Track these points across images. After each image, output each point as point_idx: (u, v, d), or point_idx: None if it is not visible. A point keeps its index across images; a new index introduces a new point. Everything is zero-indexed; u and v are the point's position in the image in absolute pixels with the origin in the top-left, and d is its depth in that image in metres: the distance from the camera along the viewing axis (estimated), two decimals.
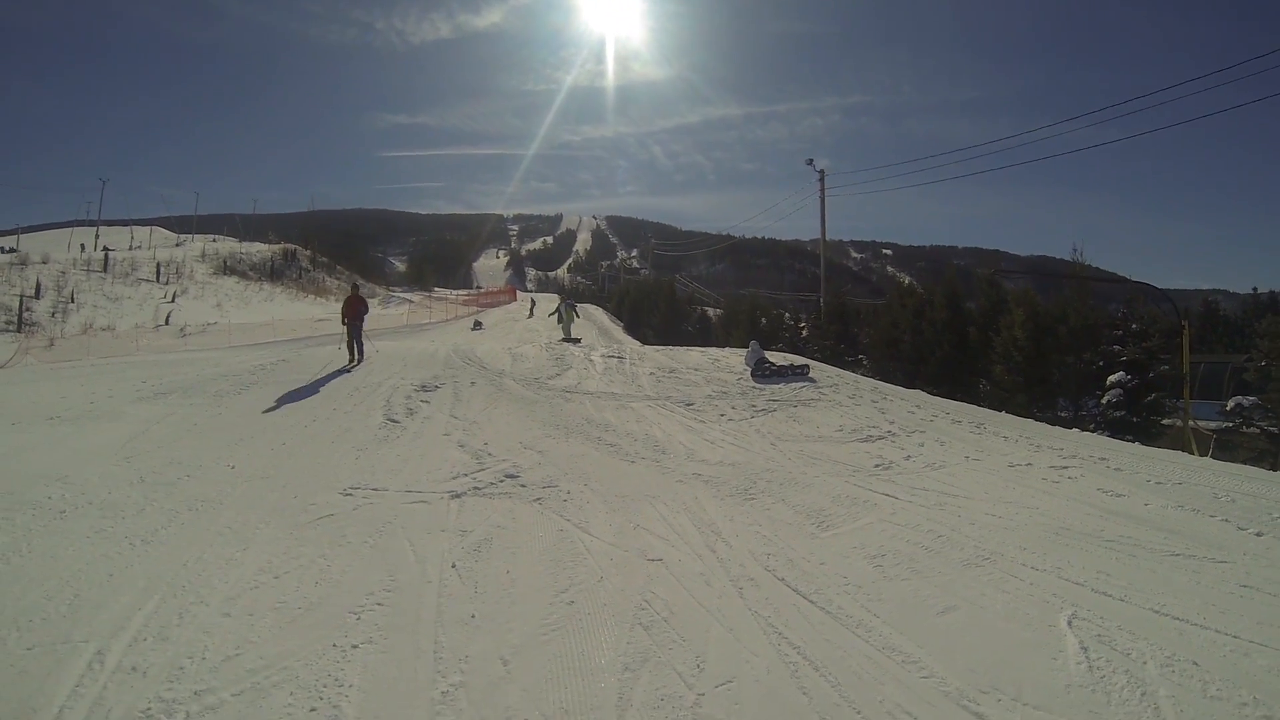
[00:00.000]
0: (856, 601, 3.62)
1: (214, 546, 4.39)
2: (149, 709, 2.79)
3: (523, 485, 5.68)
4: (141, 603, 3.64)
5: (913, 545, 4.41)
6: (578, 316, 20.41)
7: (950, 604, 3.58)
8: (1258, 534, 4.49)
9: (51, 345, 22.60)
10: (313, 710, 2.78)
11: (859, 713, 2.67)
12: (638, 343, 26.35)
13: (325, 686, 2.93)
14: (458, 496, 5.39)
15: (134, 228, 61.47)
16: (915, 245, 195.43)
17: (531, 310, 42.90)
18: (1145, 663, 2.98)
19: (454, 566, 4.11)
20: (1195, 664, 2.97)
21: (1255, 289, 41.98)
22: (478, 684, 2.92)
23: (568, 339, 18.07)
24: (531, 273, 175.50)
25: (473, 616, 3.51)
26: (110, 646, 3.23)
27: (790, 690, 2.83)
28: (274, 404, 8.79)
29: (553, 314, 21.02)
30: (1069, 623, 3.33)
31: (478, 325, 35.09)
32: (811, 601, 3.63)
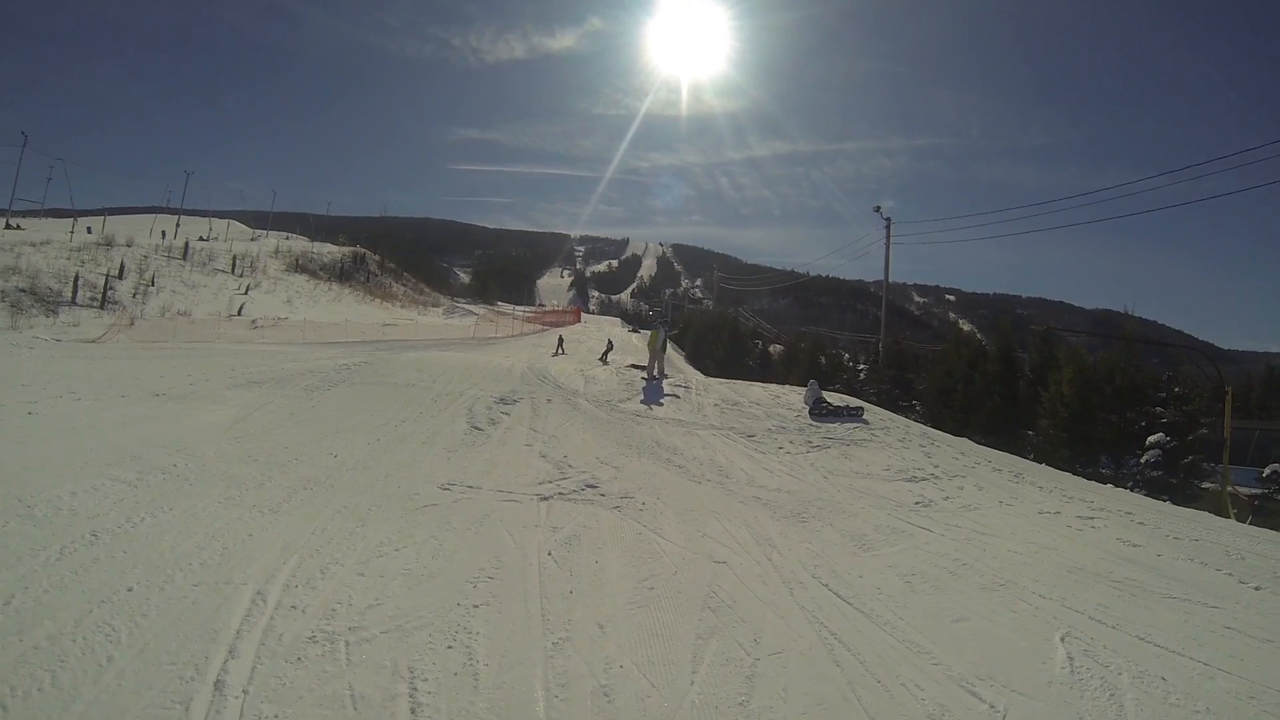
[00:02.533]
0: (886, 607, 4.33)
1: (335, 521, 5.08)
2: (314, 636, 3.41)
3: (602, 495, 6.38)
4: (284, 559, 4.27)
5: (939, 569, 5.06)
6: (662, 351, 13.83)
7: (964, 616, 4.26)
8: (1256, 588, 4.99)
9: (132, 324, 24.10)
10: (449, 648, 3.48)
11: (879, 682, 3.41)
12: (700, 374, 26.74)
13: (457, 633, 3.63)
14: (545, 499, 6.11)
15: (212, 219, 62.77)
16: (979, 293, 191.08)
17: (606, 355, 27.95)
18: (1120, 674, 3.63)
19: (550, 554, 4.82)
20: (1163, 679, 3.60)
21: None
22: (581, 639, 3.67)
23: (646, 369, 13.22)
24: (595, 295, 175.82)
25: (570, 592, 4.24)
26: (268, 589, 3.82)
27: (826, 662, 3.59)
28: (363, 402, 9.41)
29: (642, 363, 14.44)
30: (1062, 639, 3.98)
31: (560, 344, 33.69)
32: (849, 603, 4.35)
